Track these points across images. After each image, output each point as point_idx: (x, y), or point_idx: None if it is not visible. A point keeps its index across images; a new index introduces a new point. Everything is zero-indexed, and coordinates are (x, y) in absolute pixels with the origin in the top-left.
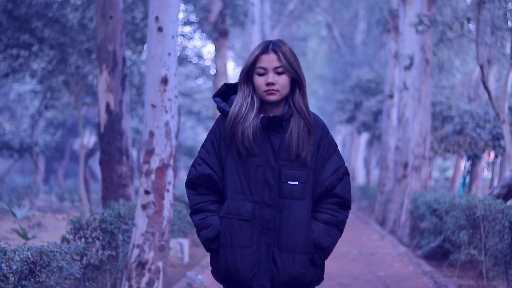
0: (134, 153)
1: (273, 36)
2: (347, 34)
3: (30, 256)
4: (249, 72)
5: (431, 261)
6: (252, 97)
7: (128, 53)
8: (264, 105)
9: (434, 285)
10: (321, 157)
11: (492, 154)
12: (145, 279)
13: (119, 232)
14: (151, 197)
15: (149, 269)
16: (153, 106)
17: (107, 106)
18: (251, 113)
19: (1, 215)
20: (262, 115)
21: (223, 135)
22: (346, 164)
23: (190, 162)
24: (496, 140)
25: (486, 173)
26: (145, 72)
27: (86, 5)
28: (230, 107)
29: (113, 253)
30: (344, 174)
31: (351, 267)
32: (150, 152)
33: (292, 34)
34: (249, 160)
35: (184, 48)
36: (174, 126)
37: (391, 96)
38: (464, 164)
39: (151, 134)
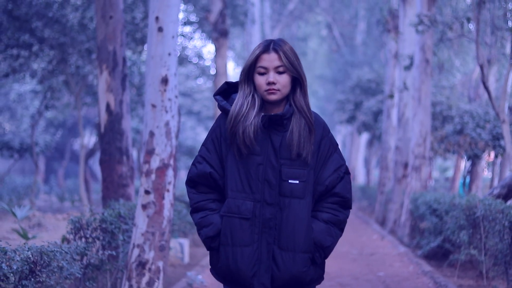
0: (134, 153)
1: (273, 36)
2: (347, 34)
3: (30, 256)
4: (250, 71)
5: (431, 261)
6: (253, 96)
7: (128, 53)
8: (265, 104)
9: (434, 285)
10: (322, 156)
11: (492, 154)
12: (145, 279)
13: (119, 232)
14: (151, 197)
15: (149, 269)
16: (153, 106)
17: (107, 106)
18: (252, 112)
19: (1, 215)
20: (263, 114)
21: (223, 134)
22: (346, 164)
23: (190, 162)
24: (496, 140)
25: (486, 173)
26: (145, 72)
27: (86, 5)
28: (231, 106)
29: (114, 253)
30: (344, 173)
31: (351, 267)
32: (150, 152)
33: (292, 34)
34: (250, 159)
35: (184, 48)
36: (174, 126)
37: (391, 96)
38: (464, 164)
39: (151, 134)
